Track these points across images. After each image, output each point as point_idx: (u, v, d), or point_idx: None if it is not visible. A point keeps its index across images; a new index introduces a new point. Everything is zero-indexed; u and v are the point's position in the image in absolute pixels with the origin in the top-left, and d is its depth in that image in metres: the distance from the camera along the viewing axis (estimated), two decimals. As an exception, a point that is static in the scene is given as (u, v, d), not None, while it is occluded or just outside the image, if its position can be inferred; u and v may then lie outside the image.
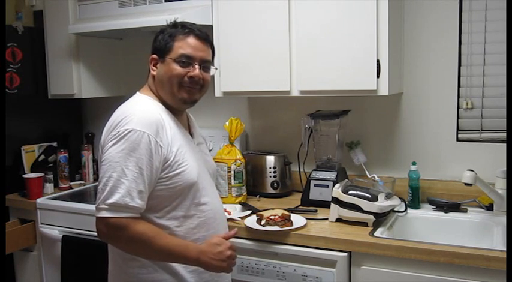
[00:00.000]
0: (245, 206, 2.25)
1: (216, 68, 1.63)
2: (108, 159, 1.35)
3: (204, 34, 1.53)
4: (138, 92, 1.55)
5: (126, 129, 1.35)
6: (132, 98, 1.52)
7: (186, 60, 1.48)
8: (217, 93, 2.33)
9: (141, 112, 1.41)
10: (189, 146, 1.51)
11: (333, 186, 2.09)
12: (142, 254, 1.41)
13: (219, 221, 1.57)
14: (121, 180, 1.32)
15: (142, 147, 1.35)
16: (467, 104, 2.22)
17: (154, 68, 1.52)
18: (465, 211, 2.11)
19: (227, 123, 2.41)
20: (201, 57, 1.51)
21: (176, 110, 1.55)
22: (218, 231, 1.54)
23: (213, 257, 1.42)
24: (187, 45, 1.49)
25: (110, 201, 1.32)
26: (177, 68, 1.48)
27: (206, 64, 1.53)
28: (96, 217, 1.35)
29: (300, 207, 2.22)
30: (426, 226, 2.09)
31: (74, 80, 2.69)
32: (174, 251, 1.40)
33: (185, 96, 1.51)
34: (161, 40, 1.50)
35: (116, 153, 1.34)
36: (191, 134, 1.60)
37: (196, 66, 1.50)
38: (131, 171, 1.33)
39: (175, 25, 1.52)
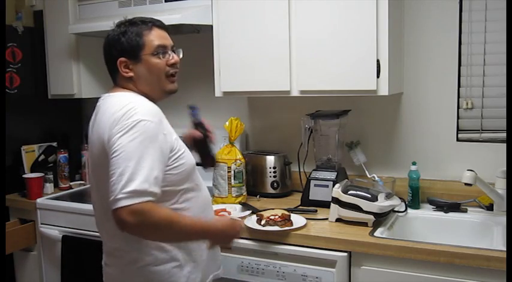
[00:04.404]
0: (245, 206, 2.25)
1: (181, 49, 1.66)
2: (121, 150, 1.35)
3: (162, 22, 1.58)
4: (119, 92, 1.53)
5: (134, 121, 1.37)
6: (120, 94, 1.51)
7: (162, 51, 1.53)
8: (217, 93, 2.33)
9: (142, 104, 1.44)
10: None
11: (333, 186, 2.09)
12: (165, 238, 1.45)
13: (209, 203, 1.68)
14: (137, 168, 1.33)
15: (152, 136, 1.38)
16: (467, 104, 2.22)
17: (127, 70, 1.52)
18: (465, 211, 2.11)
19: (227, 123, 2.41)
20: (170, 44, 1.57)
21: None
22: (210, 213, 1.65)
23: (226, 239, 1.57)
24: (157, 36, 1.53)
25: (129, 189, 1.31)
26: (158, 61, 1.52)
27: (174, 49, 1.60)
28: (116, 209, 1.32)
29: (300, 207, 2.22)
30: (426, 226, 2.09)
31: (74, 80, 2.69)
32: (197, 230, 1.46)
33: (172, 87, 1.58)
34: (127, 41, 1.50)
35: (128, 143, 1.35)
36: None
37: (172, 53, 1.56)
38: (145, 159, 1.35)
39: (133, 23, 1.53)
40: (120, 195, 1.31)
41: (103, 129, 1.43)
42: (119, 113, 1.40)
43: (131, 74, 1.52)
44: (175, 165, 1.47)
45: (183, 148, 1.52)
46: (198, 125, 1.79)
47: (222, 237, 1.54)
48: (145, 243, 1.48)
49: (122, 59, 1.51)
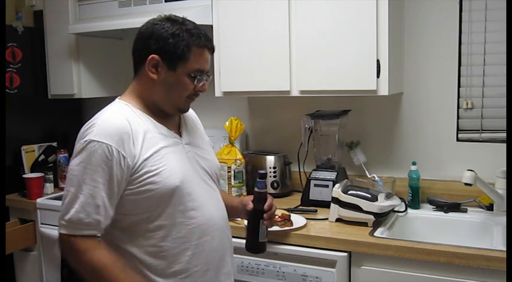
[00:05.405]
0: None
1: (211, 76, 1.54)
2: (69, 173, 1.32)
3: (212, 44, 1.45)
4: (117, 98, 1.47)
5: (85, 141, 1.30)
6: (108, 106, 1.44)
7: (199, 76, 1.41)
8: (217, 93, 2.33)
9: (104, 122, 1.34)
10: (172, 148, 1.41)
11: (333, 186, 2.09)
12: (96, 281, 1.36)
13: (215, 227, 1.47)
14: (77, 195, 1.28)
15: (100, 159, 1.29)
16: (467, 104, 2.22)
17: (154, 70, 1.38)
18: (465, 211, 2.11)
19: (227, 123, 2.41)
20: (207, 69, 1.45)
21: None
22: (214, 238, 1.46)
23: None
24: (203, 59, 1.41)
25: (66, 217, 1.29)
26: (189, 83, 1.40)
27: (208, 74, 1.47)
28: (59, 234, 1.34)
29: (300, 207, 2.22)
30: (426, 226, 2.09)
31: (74, 80, 2.69)
32: None
33: (186, 107, 1.48)
34: (175, 46, 1.36)
35: (74, 166, 1.31)
36: (180, 133, 1.50)
37: (206, 81, 1.45)
38: (87, 185, 1.29)
39: (188, 30, 1.38)
40: (61, 221, 1.31)
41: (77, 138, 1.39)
42: (83, 128, 1.36)
43: (155, 76, 1.38)
44: (141, 190, 1.34)
45: (162, 168, 1.35)
46: (258, 199, 1.51)
47: None
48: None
49: (156, 56, 1.36)
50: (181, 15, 1.48)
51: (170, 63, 1.37)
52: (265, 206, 1.50)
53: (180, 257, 1.40)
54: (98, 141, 1.29)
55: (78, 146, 1.33)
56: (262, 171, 1.51)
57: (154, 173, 1.34)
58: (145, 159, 1.34)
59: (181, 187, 1.38)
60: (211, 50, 1.44)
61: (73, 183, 1.30)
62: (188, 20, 1.43)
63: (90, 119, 1.39)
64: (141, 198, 1.35)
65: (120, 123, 1.34)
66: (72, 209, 1.29)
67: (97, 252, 1.31)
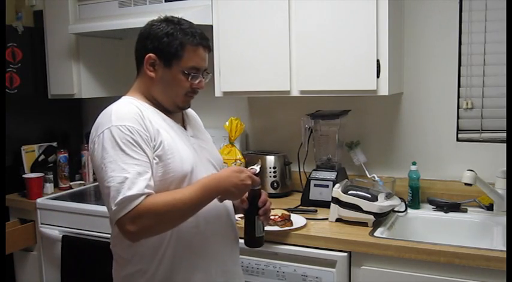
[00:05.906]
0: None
1: (210, 74, 1.58)
2: (101, 164, 1.32)
3: (208, 42, 1.49)
4: (123, 97, 1.50)
5: (104, 130, 1.34)
6: (117, 101, 1.47)
7: (194, 73, 1.45)
8: (217, 93, 2.33)
9: (118, 111, 1.39)
10: (180, 138, 1.47)
11: (333, 186, 2.09)
12: (177, 219, 1.36)
13: (221, 215, 1.53)
14: (122, 176, 1.29)
15: (125, 138, 1.33)
16: (467, 104, 2.23)
17: (151, 68, 1.45)
18: (465, 211, 2.11)
19: (227, 123, 2.41)
20: (204, 66, 1.49)
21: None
22: (221, 226, 1.53)
23: (236, 180, 1.40)
24: (197, 57, 1.46)
25: (119, 198, 1.27)
26: (185, 80, 1.45)
27: (206, 72, 1.52)
28: (117, 222, 1.29)
29: (300, 207, 2.22)
30: (426, 226, 2.09)
31: (74, 80, 2.69)
32: (199, 190, 1.36)
33: (185, 105, 1.52)
34: (169, 44, 1.42)
35: (105, 155, 1.32)
36: (185, 127, 1.56)
37: (202, 79, 1.49)
38: (126, 164, 1.30)
39: (183, 30, 1.44)
40: (115, 208, 1.27)
41: (90, 138, 1.41)
42: (96, 124, 1.39)
43: (153, 74, 1.45)
44: (158, 172, 1.38)
45: (174, 154, 1.40)
46: (252, 196, 1.50)
47: (229, 180, 1.39)
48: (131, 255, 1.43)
49: (153, 55, 1.43)
50: (180, 16, 1.51)
51: (166, 61, 1.44)
52: (260, 202, 1.52)
53: (191, 242, 1.45)
54: (120, 125, 1.34)
55: (97, 139, 1.35)
56: (256, 169, 1.51)
57: (168, 158, 1.39)
58: (159, 144, 1.39)
59: (192, 175, 1.43)
60: (207, 48, 1.49)
61: (112, 169, 1.30)
62: (184, 20, 1.50)
63: (91, 118, 1.41)
64: (157, 181, 1.37)
65: (132, 109, 1.40)
66: (123, 189, 1.28)
67: (153, 199, 1.30)
